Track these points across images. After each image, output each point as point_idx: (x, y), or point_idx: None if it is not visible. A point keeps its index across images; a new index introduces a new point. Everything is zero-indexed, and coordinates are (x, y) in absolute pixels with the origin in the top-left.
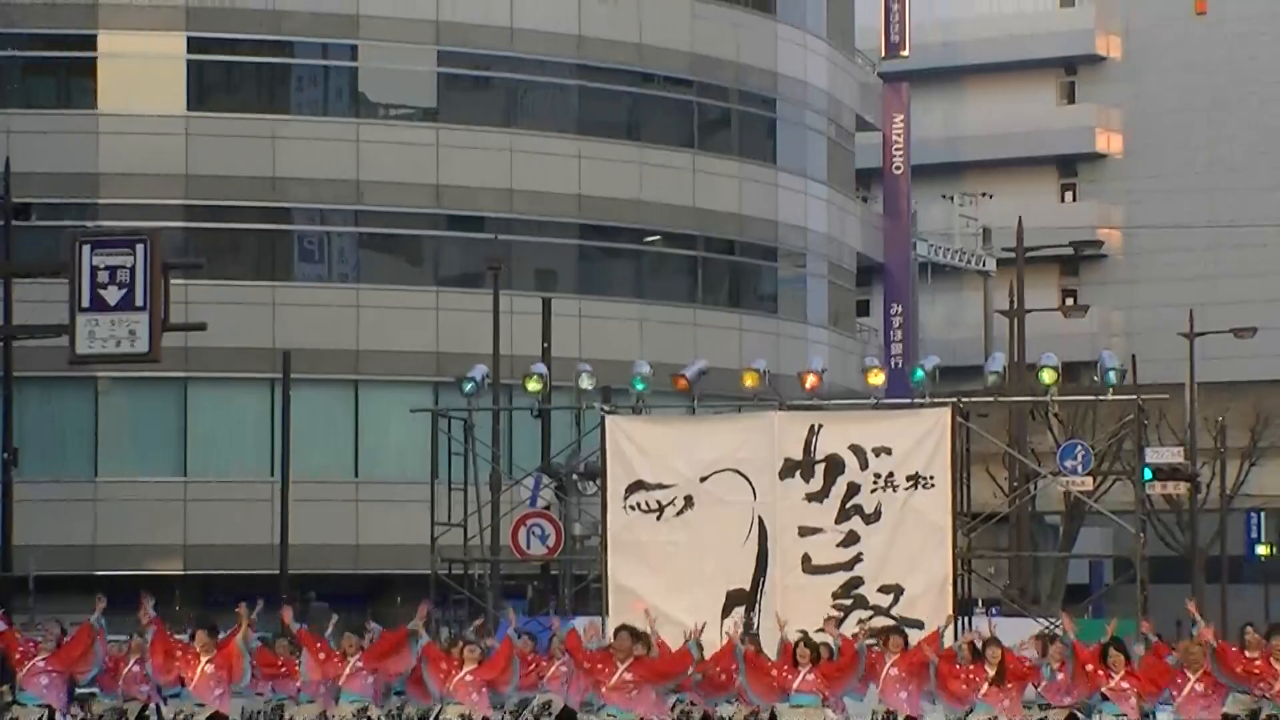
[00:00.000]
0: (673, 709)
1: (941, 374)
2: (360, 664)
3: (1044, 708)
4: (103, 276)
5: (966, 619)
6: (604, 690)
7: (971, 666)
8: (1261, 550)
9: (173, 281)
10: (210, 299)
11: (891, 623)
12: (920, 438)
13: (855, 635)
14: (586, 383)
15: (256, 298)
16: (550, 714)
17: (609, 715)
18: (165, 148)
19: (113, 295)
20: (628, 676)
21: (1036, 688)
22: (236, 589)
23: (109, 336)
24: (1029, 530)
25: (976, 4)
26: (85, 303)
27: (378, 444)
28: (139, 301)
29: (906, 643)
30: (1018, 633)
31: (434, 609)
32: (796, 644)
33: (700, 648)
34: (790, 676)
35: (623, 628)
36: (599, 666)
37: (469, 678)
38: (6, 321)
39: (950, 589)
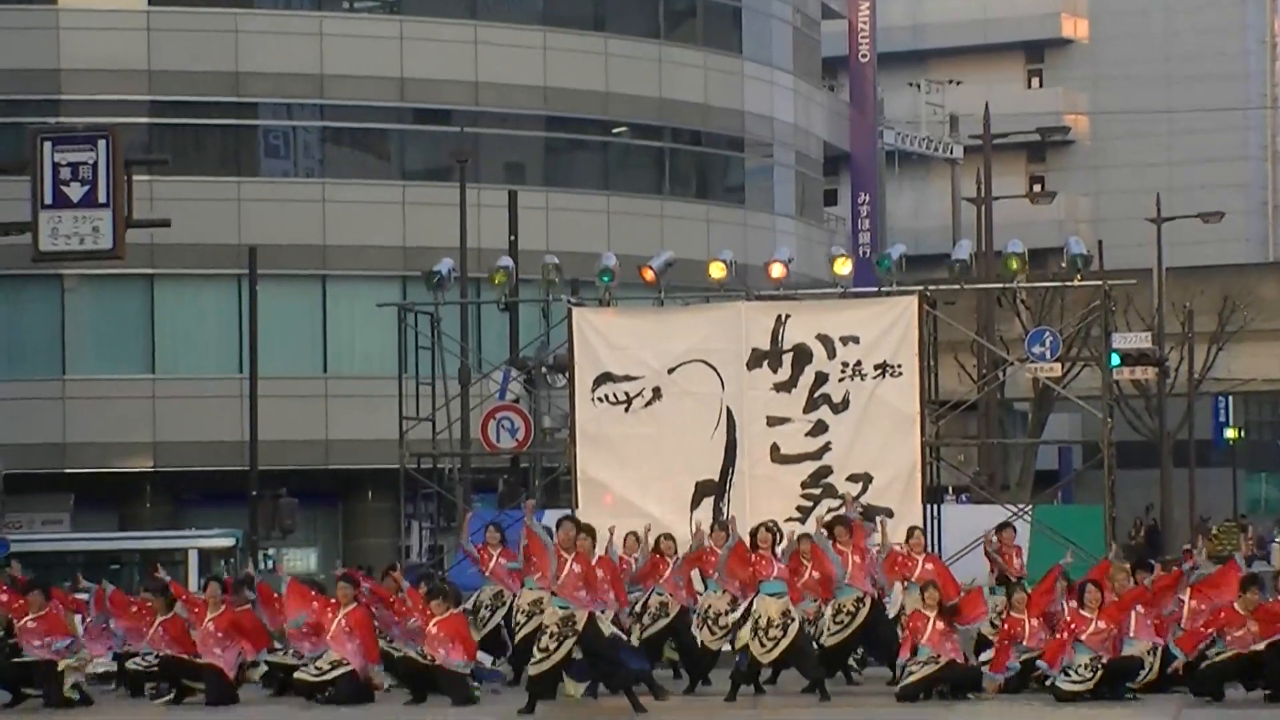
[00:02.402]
0: (647, 602)
1: (909, 262)
2: (346, 624)
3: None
4: (65, 173)
5: (936, 506)
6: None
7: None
8: (1229, 434)
9: (136, 178)
10: (175, 195)
11: (855, 516)
12: (888, 326)
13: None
14: (554, 275)
15: (221, 194)
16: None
17: (559, 606)
18: (127, 43)
19: (75, 192)
20: (576, 569)
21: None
22: (206, 486)
23: (72, 233)
24: (997, 417)
25: None
26: (48, 200)
27: (345, 339)
28: (102, 198)
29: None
30: (987, 521)
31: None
32: (758, 529)
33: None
34: (765, 567)
35: (566, 518)
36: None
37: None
38: None
39: (919, 477)
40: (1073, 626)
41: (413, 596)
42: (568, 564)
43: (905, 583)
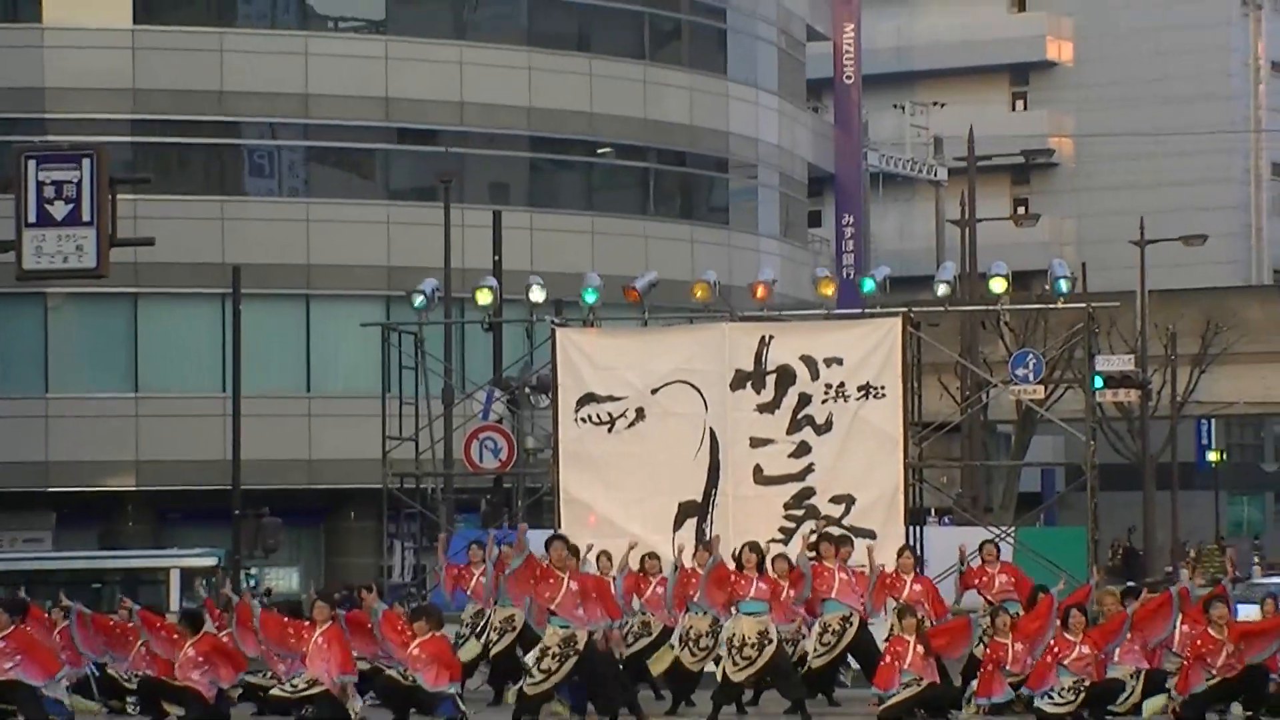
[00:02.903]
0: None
1: (893, 284)
2: (322, 641)
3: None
4: (49, 191)
5: (919, 528)
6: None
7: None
8: (1212, 456)
9: (121, 197)
10: (159, 214)
11: (841, 533)
12: (871, 348)
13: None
14: (538, 295)
15: (206, 213)
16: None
17: (559, 626)
18: (112, 62)
19: (59, 210)
20: (573, 587)
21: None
22: (189, 504)
23: (56, 252)
24: (981, 439)
25: None
26: (32, 218)
27: (329, 358)
28: (86, 217)
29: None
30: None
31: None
32: (741, 549)
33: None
34: (743, 586)
35: (557, 538)
36: (548, 581)
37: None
38: None
39: (902, 499)
40: (1056, 650)
41: (390, 618)
42: (564, 583)
43: (897, 602)
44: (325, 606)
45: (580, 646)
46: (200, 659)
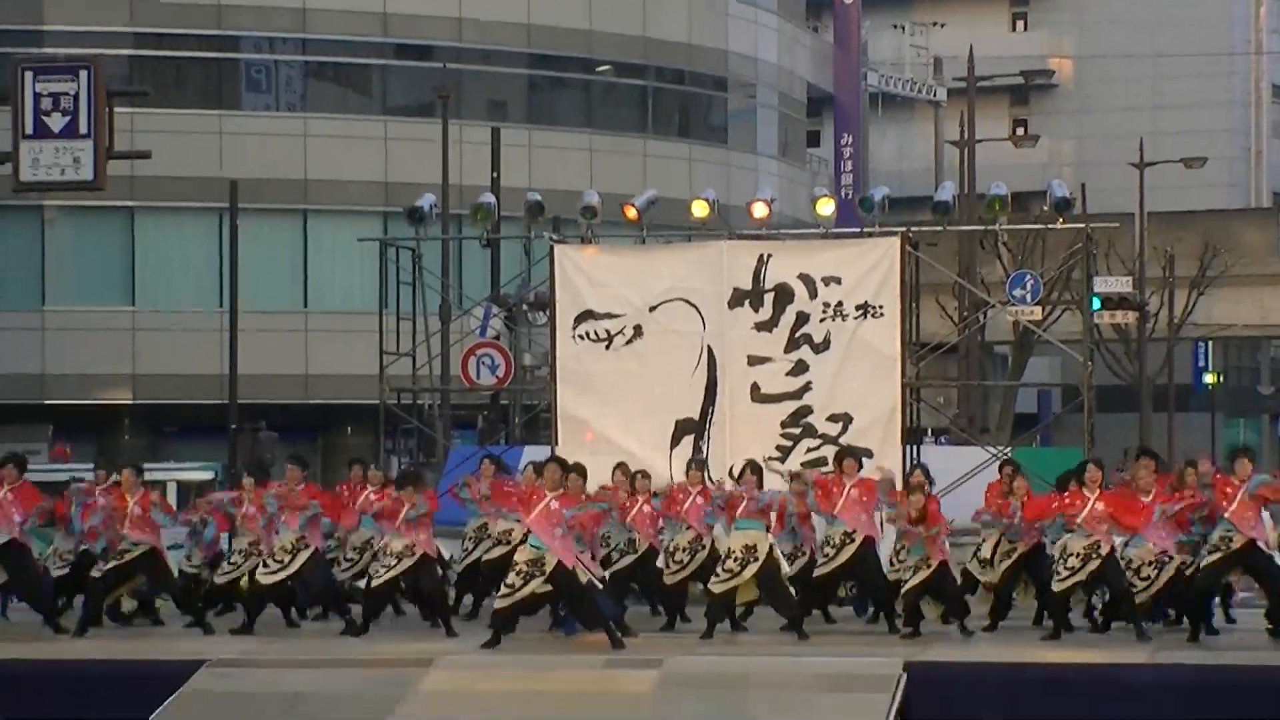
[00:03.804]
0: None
1: (891, 204)
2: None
3: (1011, 541)
4: (46, 103)
5: (915, 448)
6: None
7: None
8: (1208, 379)
9: (118, 110)
10: (156, 128)
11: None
12: (869, 267)
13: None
14: (535, 212)
15: (203, 126)
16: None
17: (532, 545)
18: None
19: (56, 122)
20: (554, 505)
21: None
22: (185, 419)
23: (53, 164)
24: (978, 360)
25: None
26: (28, 130)
27: (326, 274)
28: (83, 129)
29: (861, 466)
30: (967, 462)
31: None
32: (743, 469)
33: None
34: (736, 504)
35: (552, 460)
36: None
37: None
38: None
39: (899, 418)
40: (1068, 502)
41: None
42: (546, 499)
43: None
44: (297, 468)
45: (547, 570)
46: (143, 512)
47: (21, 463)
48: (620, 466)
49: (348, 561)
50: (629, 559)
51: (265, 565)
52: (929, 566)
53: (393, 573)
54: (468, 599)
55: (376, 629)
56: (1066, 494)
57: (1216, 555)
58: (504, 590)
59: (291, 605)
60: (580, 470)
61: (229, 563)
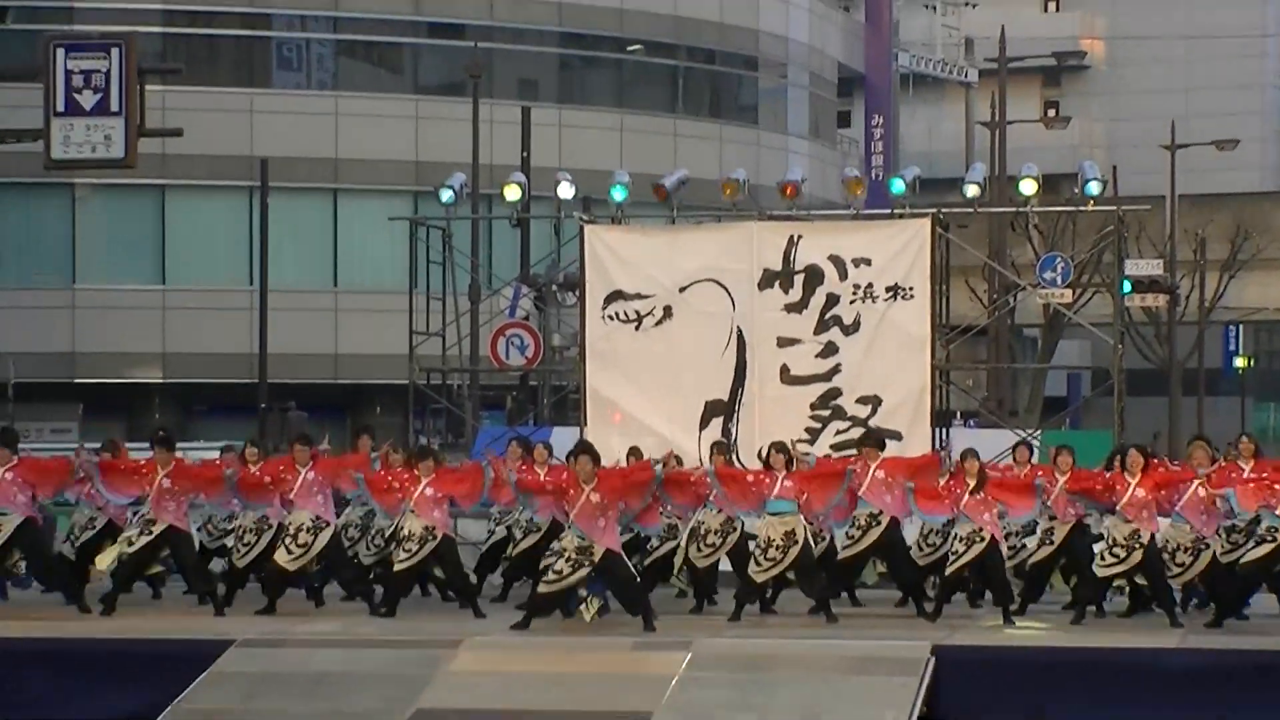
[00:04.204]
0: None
1: (922, 186)
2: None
3: (1051, 518)
4: (78, 81)
5: (944, 431)
6: (571, 514)
7: (951, 479)
8: (1239, 363)
9: (150, 88)
10: (188, 106)
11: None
12: (900, 248)
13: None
14: (566, 192)
15: (234, 105)
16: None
17: (577, 535)
18: None
19: (88, 100)
20: (595, 499)
21: (1046, 502)
22: (215, 397)
23: (84, 141)
24: (1007, 342)
25: None
26: (60, 107)
27: (356, 253)
28: (114, 107)
29: (883, 447)
30: (996, 445)
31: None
32: (770, 449)
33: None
34: (768, 484)
35: (584, 451)
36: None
37: (428, 491)
38: None
39: (928, 400)
40: (1113, 485)
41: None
42: (585, 493)
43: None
44: (304, 449)
45: (595, 559)
46: (174, 487)
47: (11, 440)
48: (633, 451)
49: (375, 548)
50: (670, 545)
51: (289, 551)
52: (981, 540)
53: (415, 559)
54: (496, 579)
55: (404, 609)
56: (1110, 474)
57: (1267, 547)
58: (551, 576)
59: (315, 583)
60: (592, 453)
61: (242, 543)
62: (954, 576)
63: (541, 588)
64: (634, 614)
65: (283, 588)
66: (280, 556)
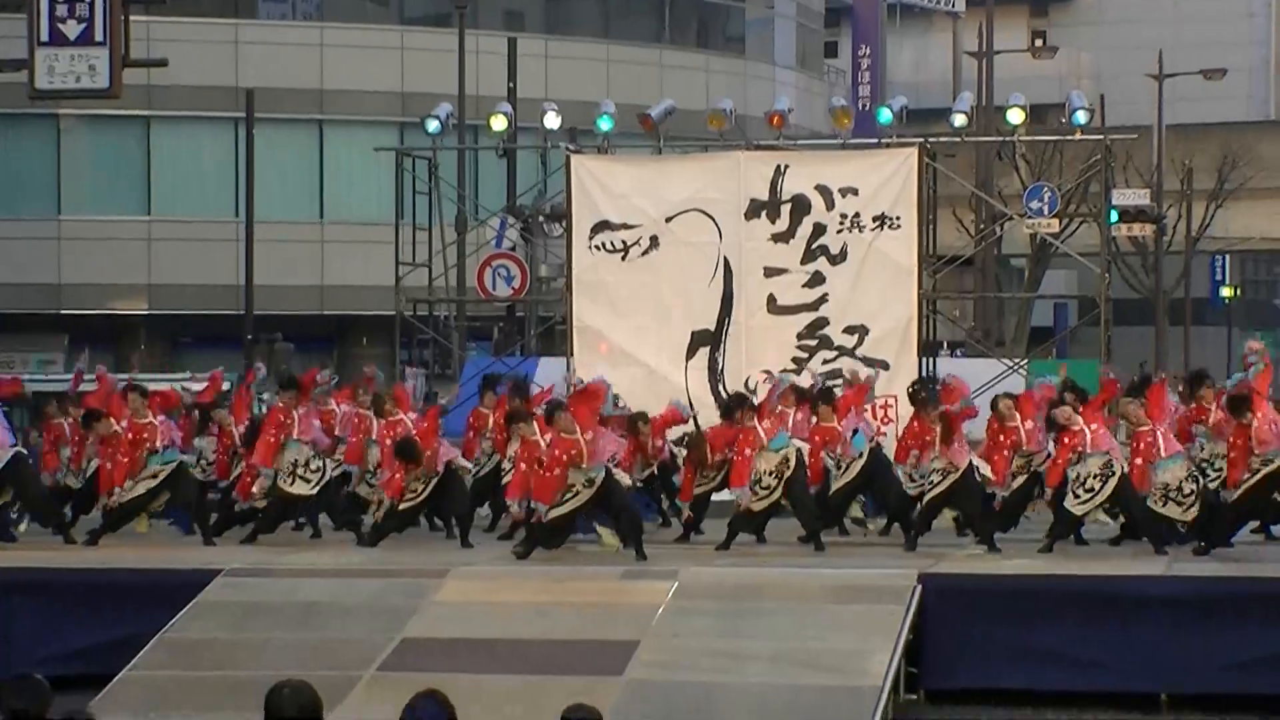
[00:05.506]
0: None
1: (909, 116)
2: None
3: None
4: (62, 10)
5: (931, 360)
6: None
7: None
8: (1225, 292)
9: (134, 18)
10: (172, 36)
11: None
12: (887, 178)
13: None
14: (552, 122)
15: (219, 35)
16: None
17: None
18: None
19: (72, 29)
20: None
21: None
22: (202, 329)
23: (69, 71)
24: (994, 272)
25: None
26: (44, 37)
27: (342, 184)
28: (99, 36)
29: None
30: (982, 374)
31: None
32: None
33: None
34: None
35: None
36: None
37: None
38: None
39: (915, 330)
40: (1075, 432)
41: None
42: (580, 444)
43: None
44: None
45: (596, 482)
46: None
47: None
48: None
49: (371, 486)
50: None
51: (306, 480)
52: (956, 470)
53: (420, 498)
54: (485, 510)
55: (390, 539)
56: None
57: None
58: (556, 500)
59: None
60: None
61: (310, 470)
62: (931, 505)
63: (551, 514)
64: (625, 546)
65: (283, 517)
66: (298, 488)
